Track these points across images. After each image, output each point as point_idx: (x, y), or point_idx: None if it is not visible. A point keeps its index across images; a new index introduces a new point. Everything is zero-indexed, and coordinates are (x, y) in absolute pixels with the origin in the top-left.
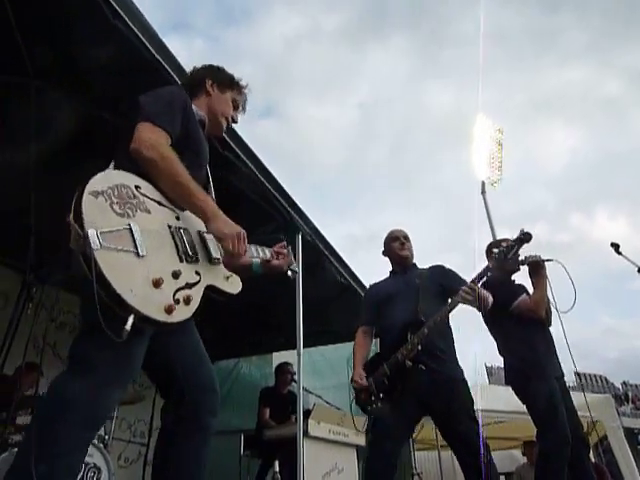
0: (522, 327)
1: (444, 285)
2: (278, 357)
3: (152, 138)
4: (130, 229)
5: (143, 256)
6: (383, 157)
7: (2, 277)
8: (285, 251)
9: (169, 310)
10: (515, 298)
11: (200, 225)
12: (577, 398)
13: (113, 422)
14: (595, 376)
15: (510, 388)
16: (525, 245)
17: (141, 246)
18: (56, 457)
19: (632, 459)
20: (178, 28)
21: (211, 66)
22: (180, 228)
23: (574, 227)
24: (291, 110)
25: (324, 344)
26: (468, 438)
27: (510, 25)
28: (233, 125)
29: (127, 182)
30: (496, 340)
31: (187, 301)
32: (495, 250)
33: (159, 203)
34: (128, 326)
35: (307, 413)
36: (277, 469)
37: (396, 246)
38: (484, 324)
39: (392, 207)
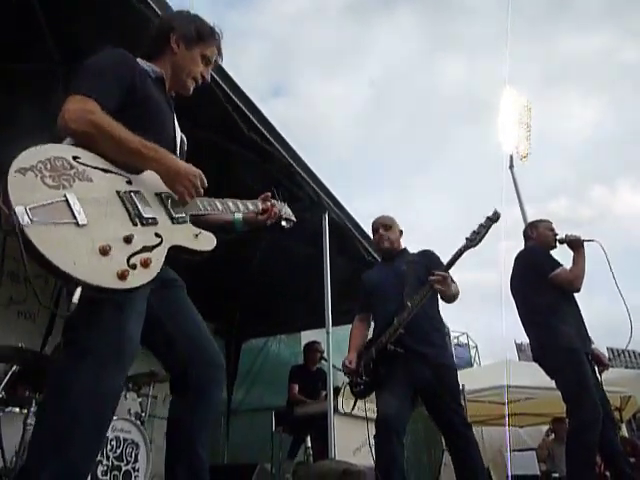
0: (553, 299)
1: (429, 270)
2: (307, 336)
3: (79, 108)
4: (66, 200)
5: (84, 225)
6: (397, 134)
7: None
8: (268, 205)
9: (122, 276)
10: (555, 268)
11: (159, 185)
12: (610, 373)
13: (149, 399)
14: (628, 351)
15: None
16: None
17: (80, 215)
18: (68, 443)
19: None
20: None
21: (179, 15)
22: (132, 192)
23: (596, 202)
24: (301, 89)
25: (352, 322)
26: (452, 424)
27: None
28: (258, 105)
29: (62, 154)
30: (522, 311)
31: (145, 264)
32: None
33: (104, 170)
34: (75, 299)
35: (337, 390)
36: (309, 444)
37: (376, 238)
38: (512, 297)
39: (408, 185)
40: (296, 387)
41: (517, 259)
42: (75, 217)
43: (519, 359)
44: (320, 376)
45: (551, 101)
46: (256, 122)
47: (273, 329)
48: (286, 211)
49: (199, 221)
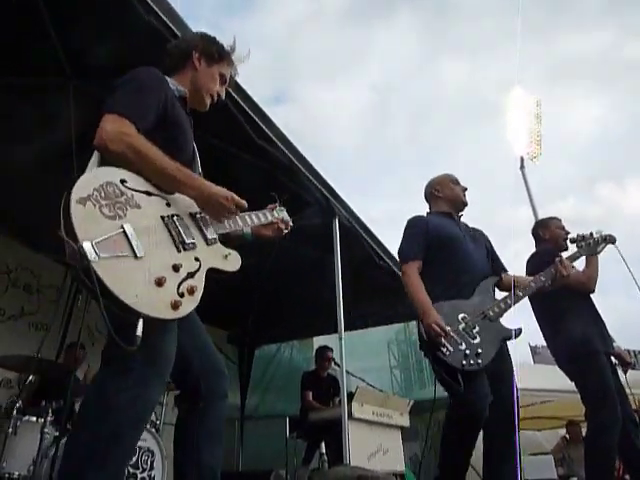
0: (569, 302)
1: (489, 252)
2: (319, 341)
3: (116, 130)
4: (124, 232)
5: (141, 257)
6: (401, 137)
7: (54, 272)
8: (276, 217)
9: (175, 306)
10: None
11: (192, 206)
12: (629, 375)
13: (163, 408)
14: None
15: (555, 367)
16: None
17: (137, 247)
18: (106, 460)
19: None
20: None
21: (201, 35)
22: (173, 216)
23: (604, 201)
24: (302, 95)
25: (365, 327)
26: (506, 401)
27: None
28: (269, 114)
29: (111, 179)
30: (539, 314)
31: (191, 292)
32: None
33: (148, 193)
34: (139, 332)
35: (350, 396)
36: (323, 450)
37: (460, 189)
38: (528, 301)
39: (412, 188)
40: (310, 394)
41: (529, 262)
42: (133, 250)
43: (534, 362)
44: (330, 382)
45: (554, 100)
46: (265, 129)
47: (286, 335)
48: (285, 217)
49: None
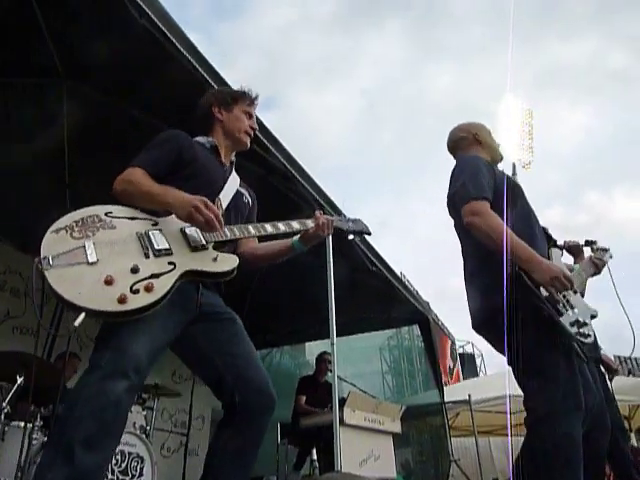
0: None
1: None
2: (311, 346)
3: (124, 174)
4: (83, 246)
5: (94, 262)
6: (391, 143)
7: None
8: (318, 217)
9: (121, 300)
10: None
11: (182, 223)
12: (617, 381)
13: (154, 413)
14: (634, 359)
15: None
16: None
17: (91, 255)
18: (72, 454)
19: None
20: None
21: (212, 92)
22: (151, 231)
23: (592, 208)
24: (292, 101)
25: (357, 333)
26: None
27: (506, 2)
28: (261, 119)
29: (96, 212)
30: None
31: (148, 289)
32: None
33: (131, 218)
34: (77, 322)
35: (342, 401)
36: (315, 457)
37: (497, 143)
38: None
39: (402, 191)
40: (303, 398)
41: None
42: (87, 257)
43: None
44: (328, 387)
45: (540, 108)
46: (258, 134)
47: (277, 340)
48: (349, 225)
49: (246, 251)
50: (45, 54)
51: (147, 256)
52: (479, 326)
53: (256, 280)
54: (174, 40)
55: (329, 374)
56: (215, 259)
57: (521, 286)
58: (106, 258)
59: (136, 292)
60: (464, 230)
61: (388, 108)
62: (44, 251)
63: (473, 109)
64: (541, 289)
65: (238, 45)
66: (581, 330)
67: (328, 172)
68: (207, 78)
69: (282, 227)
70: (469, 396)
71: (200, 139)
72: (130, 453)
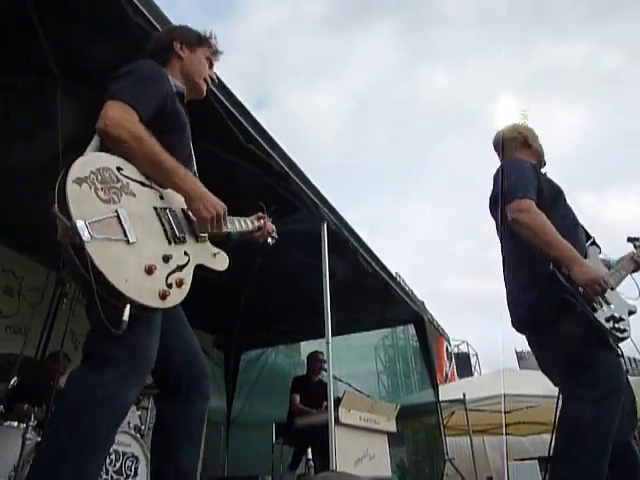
0: None
1: None
2: (306, 346)
3: (121, 116)
4: (118, 216)
5: (133, 243)
6: (384, 144)
7: (37, 274)
8: (262, 223)
9: (163, 296)
10: None
11: (183, 202)
12: None
13: (148, 412)
14: (629, 358)
15: (540, 372)
16: None
17: (130, 233)
18: (82, 455)
19: None
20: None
21: (175, 27)
22: (165, 208)
23: (585, 209)
24: (283, 100)
25: (352, 332)
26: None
27: (497, 3)
28: (256, 118)
29: (108, 164)
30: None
31: (179, 284)
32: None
33: (142, 184)
34: (126, 317)
35: (337, 401)
36: (310, 456)
37: (542, 148)
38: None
39: (396, 194)
40: (298, 398)
41: None
42: (126, 235)
43: (519, 367)
44: (321, 387)
45: (535, 108)
46: (254, 133)
47: (272, 340)
48: (272, 227)
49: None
50: (39, 53)
51: (169, 242)
52: (518, 324)
53: (251, 279)
54: None
55: (323, 373)
56: (214, 255)
57: (556, 283)
58: (141, 238)
59: (170, 286)
60: (506, 230)
61: (381, 109)
62: (75, 210)
63: (468, 110)
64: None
65: (229, 45)
66: (617, 325)
67: (321, 172)
68: None
69: (250, 225)
70: (464, 395)
71: (171, 79)
72: (125, 453)
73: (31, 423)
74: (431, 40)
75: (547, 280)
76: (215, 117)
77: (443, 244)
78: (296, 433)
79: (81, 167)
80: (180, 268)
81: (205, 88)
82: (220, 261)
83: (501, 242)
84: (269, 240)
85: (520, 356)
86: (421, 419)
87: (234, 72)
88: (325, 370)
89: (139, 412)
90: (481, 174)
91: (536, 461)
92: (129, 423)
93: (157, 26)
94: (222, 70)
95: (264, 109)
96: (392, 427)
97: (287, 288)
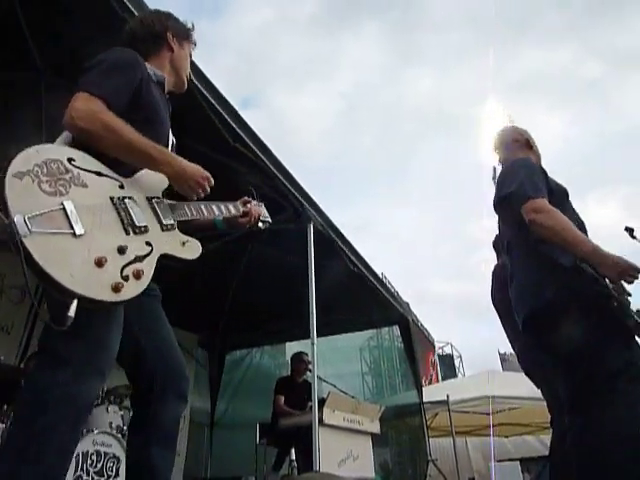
0: None
1: None
2: (291, 347)
3: (87, 107)
4: (63, 208)
5: (81, 235)
6: (370, 146)
7: (19, 271)
8: (249, 208)
9: (116, 288)
10: None
11: (149, 189)
12: None
13: (131, 412)
14: None
15: (523, 374)
16: None
17: (77, 224)
18: (42, 455)
19: None
20: None
21: (168, 15)
22: (125, 197)
23: None
24: (270, 101)
25: (337, 333)
26: None
27: (484, 8)
28: (244, 117)
29: (57, 156)
30: (510, 327)
31: (137, 276)
32: None
33: (98, 174)
34: (71, 312)
35: (321, 402)
36: (293, 457)
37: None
38: (495, 310)
39: (380, 197)
40: (282, 399)
41: (499, 270)
42: (72, 227)
43: (502, 369)
44: (305, 387)
45: (519, 113)
46: (240, 132)
47: (257, 340)
48: (263, 212)
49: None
50: (24, 50)
51: (127, 232)
52: (530, 321)
53: (237, 279)
54: None
55: (308, 374)
56: (184, 244)
57: (583, 277)
58: (90, 230)
59: (126, 279)
60: (515, 229)
61: (367, 111)
62: (13, 204)
63: (452, 113)
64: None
65: (216, 44)
66: None
67: (307, 173)
68: (193, 79)
69: (223, 209)
70: (447, 397)
71: (149, 68)
72: (106, 453)
73: (10, 423)
74: (417, 43)
75: (570, 274)
76: (201, 115)
77: (428, 246)
78: (280, 434)
79: (23, 161)
80: (140, 259)
81: (186, 84)
82: (190, 249)
83: (509, 242)
84: (260, 225)
85: (503, 358)
86: (405, 420)
87: (221, 71)
88: (310, 371)
89: (121, 412)
90: (464, 177)
91: (518, 462)
92: (111, 424)
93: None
94: (209, 68)
95: (251, 109)
96: (376, 428)
97: (273, 288)
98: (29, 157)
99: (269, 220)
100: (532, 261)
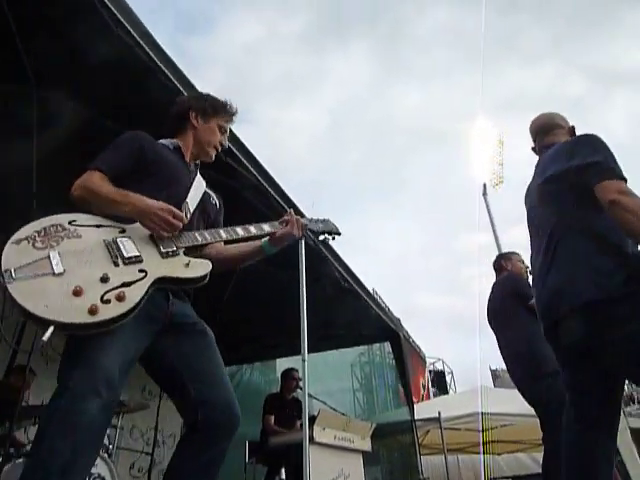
0: (535, 325)
1: None
2: (282, 363)
3: (82, 179)
4: (48, 256)
5: (60, 273)
6: (359, 160)
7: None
8: (289, 218)
9: (92, 311)
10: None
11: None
12: None
13: (117, 430)
14: None
15: (515, 391)
16: None
17: (57, 266)
18: (47, 476)
19: (639, 459)
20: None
21: (195, 96)
22: (119, 238)
23: None
24: (258, 116)
25: (328, 349)
26: None
27: (466, 27)
28: (235, 132)
29: (59, 221)
30: (504, 341)
31: (120, 298)
32: None
33: (97, 226)
34: (45, 337)
35: (312, 419)
36: (283, 476)
37: None
38: (489, 324)
39: (369, 211)
40: (272, 418)
41: (498, 286)
42: (53, 268)
43: (494, 385)
44: (295, 405)
45: (505, 130)
46: (232, 147)
47: (248, 357)
48: (319, 226)
49: (212, 254)
50: (17, 61)
51: (117, 264)
52: (581, 316)
53: (227, 295)
54: (149, 51)
55: (299, 391)
56: (187, 265)
57: None
58: (73, 268)
59: (107, 302)
60: (570, 207)
61: (356, 126)
62: (5, 263)
63: (441, 129)
64: None
65: (206, 60)
66: None
67: (296, 188)
68: (183, 91)
69: (253, 230)
70: (439, 413)
71: (163, 141)
72: (91, 474)
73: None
74: (405, 59)
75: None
76: None
77: (418, 261)
78: (270, 452)
79: (25, 230)
80: (127, 284)
81: (214, 154)
82: (193, 268)
83: (557, 220)
84: (322, 237)
85: (495, 374)
86: (396, 438)
87: (211, 86)
88: (300, 388)
89: (108, 430)
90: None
91: None
92: None
93: (136, 37)
94: (200, 84)
95: (240, 124)
96: (367, 446)
97: (263, 304)
98: (31, 227)
99: (338, 232)
100: (590, 245)
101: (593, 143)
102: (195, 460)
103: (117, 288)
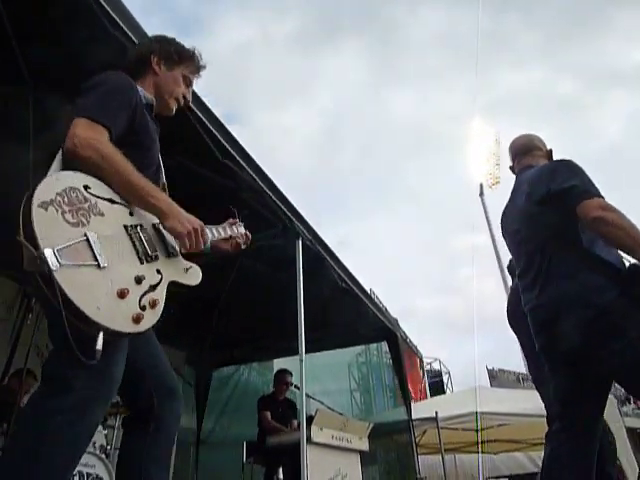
0: None
1: None
2: (279, 363)
3: (89, 136)
4: (87, 240)
5: (104, 267)
6: (351, 164)
7: (5, 288)
8: (233, 233)
9: (137, 319)
10: None
11: (154, 217)
12: None
13: (115, 432)
14: None
15: (512, 390)
16: None
17: (101, 256)
18: None
19: (634, 459)
20: None
21: (158, 39)
22: (136, 226)
23: None
24: (251, 118)
25: (325, 349)
26: None
27: (459, 28)
28: (233, 133)
29: (75, 184)
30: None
31: (153, 305)
32: None
33: (111, 201)
34: (99, 346)
35: (309, 419)
36: (281, 476)
37: None
38: (510, 325)
39: (364, 212)
40: (268, 415)
41: (516, 290)
42: (97, 259)
43: (491, 385)
44: (287, 405)
45: (500, 132)
46: (229, 148)
47: (245, 357)
48: (242, 232)
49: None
50: (13, 63)
51: (142, 261)
52: (578, 331)
53: (225, 295)
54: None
55: (296, 391)
56: (187, 270)
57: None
58: (113, 262)
59: (144, 309)
60: (559, 228)
61: (350, 128)
62: (43, 236)
63: (436, 130)
64: None
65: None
66: None
67: (291, 189)
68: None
69: (222, 233)
70: (436, 413)
71: (140, 92)
72: (89, 474)
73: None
74: (398, 62)
75: (627, 277)
76: (191, 131)
77: (414, 262)
78: (267, 452)
79: (46, 189)
80: (153, 288)
81: (175, 107)
82: (192, 276)
83: (543, 241)
84: (243, 247)
85: (491, 374)
86: (393, 437)
87: (204, 88)
88: (297, 387)
89: (105, 431)
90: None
91: (507, 479)
92: (94, 443)
93: (133, 38)
94: (197, 84)
95: (234, 125)
96: (364, 446)
97: (261, 304)
98: (51, 186)
99: (249, 236)
100: (581, 262)
101: (567, 168)
102: (155, 448)
103: (148, 292)
